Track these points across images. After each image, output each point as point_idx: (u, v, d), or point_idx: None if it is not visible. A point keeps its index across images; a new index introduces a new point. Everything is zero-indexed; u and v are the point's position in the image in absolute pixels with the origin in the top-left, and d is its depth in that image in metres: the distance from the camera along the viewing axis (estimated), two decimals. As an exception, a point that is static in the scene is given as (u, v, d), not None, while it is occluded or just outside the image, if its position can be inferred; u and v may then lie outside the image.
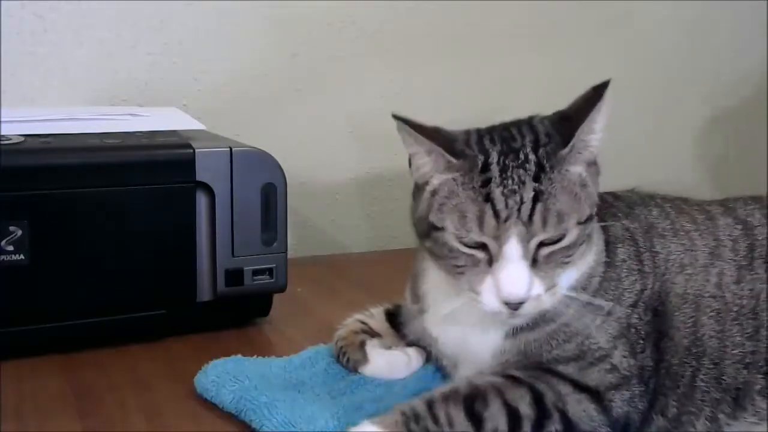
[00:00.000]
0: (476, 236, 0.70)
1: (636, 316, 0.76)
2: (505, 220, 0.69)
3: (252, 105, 1.33)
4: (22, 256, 0.86)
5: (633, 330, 0.75)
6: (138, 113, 1.14)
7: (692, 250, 0.80)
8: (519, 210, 0.69)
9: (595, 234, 0.76)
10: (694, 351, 0.76)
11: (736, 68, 1.70)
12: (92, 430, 0.76)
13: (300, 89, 1.36)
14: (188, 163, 0.93)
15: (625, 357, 0.74)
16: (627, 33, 1.60)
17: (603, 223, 0.78)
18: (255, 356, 0.87)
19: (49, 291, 0.88)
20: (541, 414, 0.71)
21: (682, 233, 0.81)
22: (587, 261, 0.76)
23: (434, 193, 0.74)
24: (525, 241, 0.69)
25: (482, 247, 0.70)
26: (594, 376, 0.73)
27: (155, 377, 0.86)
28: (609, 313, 0.75)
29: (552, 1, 1.50)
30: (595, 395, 0.73)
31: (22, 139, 0.92)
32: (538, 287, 0.70)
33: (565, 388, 0.72)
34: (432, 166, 0.74)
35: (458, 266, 0.72)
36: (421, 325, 0.83)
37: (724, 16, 1.67)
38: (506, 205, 0.69)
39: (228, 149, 0.95)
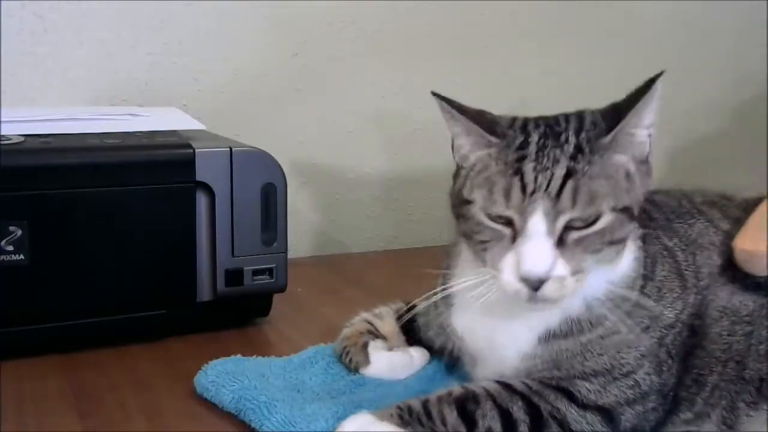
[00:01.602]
0: (502, 209, 0.68)
1: (671, 336, 0.74)
2: (531, 194, 0.67)
3: (252, 105, 1.33)
4: (22, 256, 0.86)
5: (664, 349, 0.74)
6: (138, 113, 1.14)
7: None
8: (547, 185, 0.67)
9: (634, 246, 0.75)
10: (723, 358, 0.75)
11: (736, 68, 1.70)
12: (92, 430, 0.76)
13: (300, 89, 1.36)
14: (188, 163, 0.93)
15: (649, 374, 0.73)
16: (627, 33, 1.60)
17: (642, 243, 0.76)
18: (255, 356, 0.87)
19: (49, 291, 0.88)
20: (537, 421, 0.70)
21: (719, 243, 0.79)
22: (623, 268, 0.74)
23: (470, 169, 0.73)
24: (551, 217, 0.67)
25: (508, 223, 0.69)
26: (614, 392, 0.72)
27: (155, 377, 0.86)
28: (643, 331, 0.73)
29: (552, 1, 1.50)
30: (603, 410, 0.72)
31: (22, 139, 0.92)
32: (562, 268, 0.67)
33: (564, 405, 0.71)
34: (471, 146, 0.74)
35: (483, 241, 0.70)
36: (447, 322, 0.81)
37: (724, 16, 1.67)
38: (535, 179, 0.68)
39: (228, 149, 0.95)
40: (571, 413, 0.71)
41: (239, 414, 0.77)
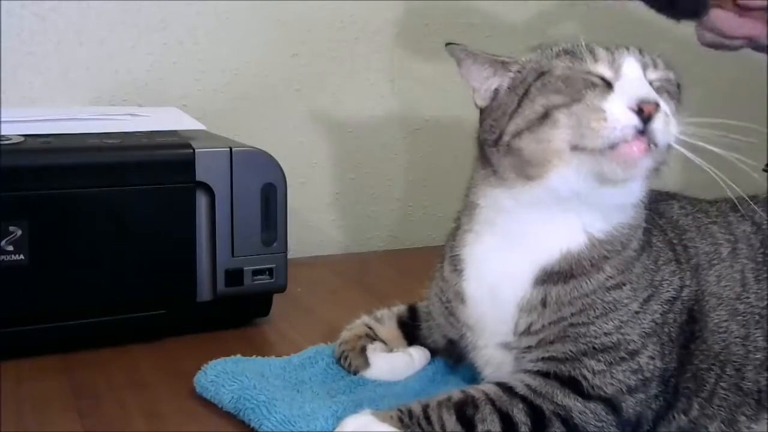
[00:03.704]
0: (591, 65, 0.69)
1: (672, 315, 0.74)
2: (617, 48, 0.70)
3: (252, 105, 1.33)
4: (22, 256, 0.86)
5: (666, 330, 0.73)
6: (138, 113, 1.14)
7: (716, 245, 0.79)
8: (627, 48, 0.71)
9: (639, 196, 0.74)
10: (722, 358, 0.75)
11: (736, 68, 1.70)
12: (92, 430, 0.76)
13: (300, 89, 1.36)
14: (188, 163, 0.93)
15: (652, 359, 0.72)
16: (627, 33, 1.59)
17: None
18: (255, 356, 0.87)
19: (49, 291, 0.88)
20: (539, 421, 0.70)
21: (703, 228, 0.80)
22: (628, 211, 0.73)
23: (517, 72, 0.74)
24: (641, 67, 0.69)
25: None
26: (618, 377, 0.71)
27: (155, 377, 0.86)
28: (645, 302, 0.73)
29: (550, 0, 1.51)
30: (605, 400, 0.72)
31: (22, 139, 0.92)
32: (663, 103, 0.67)
33: (570, 400, 0.71)
34: (495, 74, 0.76)
35: (577, 90, 0.68)
36: (455, 290, 0.79)
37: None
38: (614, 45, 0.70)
39: (228, 149, 0.95)
40: (577, 406, 0.71)
41: (239, 413, 0.77)
